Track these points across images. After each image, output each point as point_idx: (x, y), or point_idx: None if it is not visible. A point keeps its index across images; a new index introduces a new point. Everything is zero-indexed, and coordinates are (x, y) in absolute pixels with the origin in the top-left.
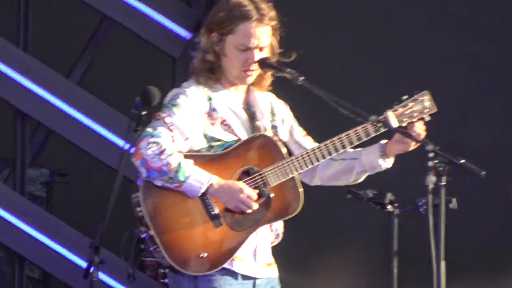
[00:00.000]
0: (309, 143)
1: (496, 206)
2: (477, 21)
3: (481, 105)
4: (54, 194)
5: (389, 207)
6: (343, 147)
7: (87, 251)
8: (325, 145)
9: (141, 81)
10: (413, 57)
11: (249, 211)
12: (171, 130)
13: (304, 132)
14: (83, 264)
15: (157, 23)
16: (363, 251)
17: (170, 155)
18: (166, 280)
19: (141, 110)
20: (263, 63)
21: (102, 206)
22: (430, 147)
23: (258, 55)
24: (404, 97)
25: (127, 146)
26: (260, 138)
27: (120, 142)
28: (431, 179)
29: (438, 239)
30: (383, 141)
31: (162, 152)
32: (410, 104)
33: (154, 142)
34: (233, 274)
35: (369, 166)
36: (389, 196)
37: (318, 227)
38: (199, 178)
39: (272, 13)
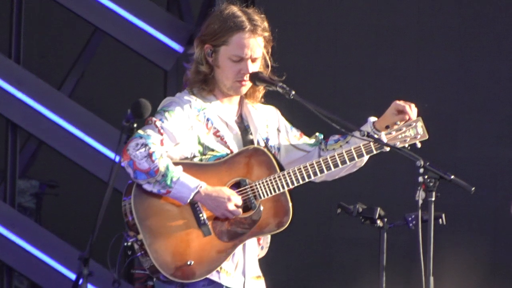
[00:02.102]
0: (306, 145)
1: (486, 221)
2: (469, 38)
3: (472, 121)
4: (43, 206)
5: (378, 222)
6: (336, 165)
7: (76, 263)
8: (317, 162)
9: (133, 93)
10: (405, 72)
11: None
12: (161, 134)
13: (298, 134)
14: (72, 276)
15: (149, 36)
16: (352, 266)
17: (158, 158)
18: None
19: (132, 122)
20: (255, 78)
21: (92, 218)
22: (420, 162)
23: (251, 66)
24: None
25: (117, 159)
26: (254, 151)
27: (110, 154)
28: (421, 194)
29: (427, 255)
30: (373, 118)
31: (150, 154)
32: (404, 129)
33: (143, 144)
34: (220, 286)
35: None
36: (379, 211)
37: (308, 241)
38: (188, 184)
39: (265, 25)
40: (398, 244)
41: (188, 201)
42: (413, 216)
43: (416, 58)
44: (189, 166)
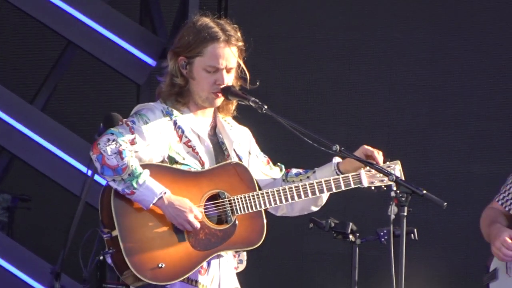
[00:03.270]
0: (272, 172)
1: (458, 236)
2: (441, 54)
3: (444, 137)
4: (16, 219)
5: (351, 237)
6: (313, 193)
7: (48, 277)
8: (296, 187)
9: (105, 107)
10: (377, 87)
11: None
12: (132, 133)
13: (266, 160)
14: None
15: (122, 49)
16: (325, 280)
17: (128, 156)
18: None
19: None
20: (227, 92)
21: (64, 232)
22: (392, 177)
23: (226, 76)
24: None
25: (89, 173)
26: (236, 166)
27: (83, 168)
28: (393, 209)
29: (399, 269)
30: (336, 160)
31: (120, 152)
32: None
33: (114, 140)
34: None
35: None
36: (351, 226)
37: (281, 255)
38: (153, 189)
39: (238, 35)
40: (370, 259)
41: (150, 205)
42: (385, 231)
43: (388, 74)
44: (169, 170)
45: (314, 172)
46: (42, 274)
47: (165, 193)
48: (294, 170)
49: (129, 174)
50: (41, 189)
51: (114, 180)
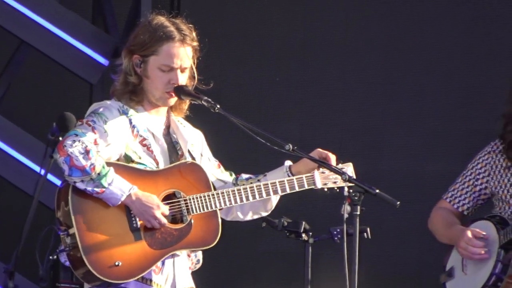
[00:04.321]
0: (223, 175)
1: (412, 236)
2: (394, 51)
3: (397, 135)
4: None
5: (303, 236)
6: (268, 193)
7: (1, 276)
8: (250, 188)
9: (58, 107)
10: (330, 85)
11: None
12: (94, 133)
13: (217, 164)
14: None
15: (74, 48)
16: (278, 279)
17: (95, 156)
18: None
19: (57, 135)
20: (180, 91)
21: (17, 231)
22: (345, 177)
23: (180, 76)
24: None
25: (43, 172)
26: (191, 166)
27: (36, 167)
28: (346, 208)
29: (352, 268)
30: (288, 163)
31: (87, 152)
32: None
33: (79, 141)
34: None
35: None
36: (304, 225)
37: (233, 255)
38: (120, 186)
39: (193, 35)
40: (323, 258)
41: (119, 203)
42: (338, 230)
43: (341, 71)
44: (126, 168)
45: (265, 175)
46: None
47: (133, 189)
48: (244, 175)
49: (98, 174)
50: None
51: (82, 181)
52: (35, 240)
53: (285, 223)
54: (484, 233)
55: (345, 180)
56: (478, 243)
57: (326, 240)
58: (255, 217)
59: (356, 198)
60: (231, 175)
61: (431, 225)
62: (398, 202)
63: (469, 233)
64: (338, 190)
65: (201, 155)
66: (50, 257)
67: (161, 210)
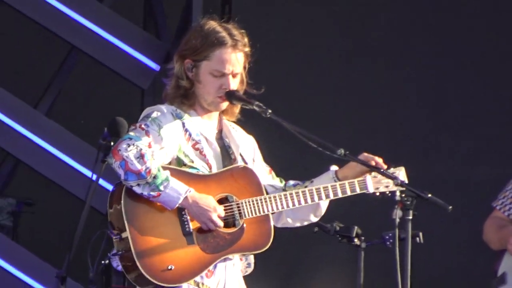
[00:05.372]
0: (275, 181)
1: (463, 241)
2: (446, 53)
3: (450, 140)
4: (20, 224)
5: (356, 241)
6: (320, 198)
7: (53, 281)
8: (303, 192)
9: (110, 112)
10: (378, 90)
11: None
12: (148, 136)
13: (268, 169)
14: None
15: (126, 54)
16: (330, 284)
17: (150, 159)
18: None
19: (109, 140)
20: (232, 96)
21: (69, 236)
22: (398, 181)
23: (232, 81)
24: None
25: (94, 177)
26: (244, 170)
27: (87, 172)
28: (398, 213)
29: (404, 273)
30: (333, 168)
31: (142, 156)
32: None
33: (134, 145)
34: None
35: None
36: (356, 230)
37: (285, 260)
38: (177, 189)
39: (245, 40)
40: (375, 263)
41: (177, 205)
42: (390, 235)
43: (389, 77)
44: (179, 172)
45: (311, 181)
46: (47, 278)
47: (190, 191)
48: (291, 181)
49: (153, 177)
50: (46, 194)
51: (138, 185)
52: (86, 245)
53: (337, 228)
54: None
55: (397, 185)
56: None
57: (378, 245)
58: (305, 223)
59: (408, 202)
60: (281, 181)
61: (485, 236)
62: (450, 207)
63: None
64: (389, 194)
65: (253, 160)
66: (102, 262)
67: (218, 213)
